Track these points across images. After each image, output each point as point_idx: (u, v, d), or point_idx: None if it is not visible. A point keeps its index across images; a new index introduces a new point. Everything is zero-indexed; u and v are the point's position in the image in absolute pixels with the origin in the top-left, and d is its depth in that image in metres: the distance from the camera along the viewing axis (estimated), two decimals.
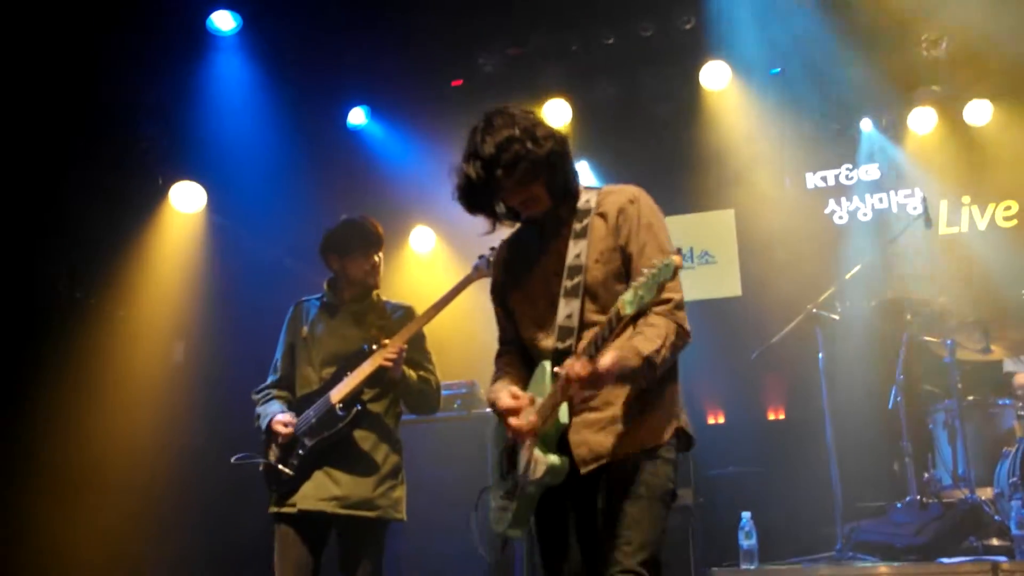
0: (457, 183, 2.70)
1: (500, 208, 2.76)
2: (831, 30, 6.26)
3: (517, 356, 2.91)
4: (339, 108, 7.11)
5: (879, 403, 5.75)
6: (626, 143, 6.96)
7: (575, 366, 2.45)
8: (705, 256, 7.23)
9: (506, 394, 2.71)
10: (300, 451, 3.79)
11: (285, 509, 3.77)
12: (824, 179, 7.21)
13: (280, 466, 3.80)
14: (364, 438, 3.82)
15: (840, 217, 7.10)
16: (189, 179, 6.61)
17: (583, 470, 2.62)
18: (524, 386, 2.77)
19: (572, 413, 2.63)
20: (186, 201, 6.60)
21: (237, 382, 4.33)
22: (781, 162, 7.10)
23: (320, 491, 3.74)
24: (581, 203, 2.81)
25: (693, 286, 6.92)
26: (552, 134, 2.68)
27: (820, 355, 5.68)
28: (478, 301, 3.72)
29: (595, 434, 2.64)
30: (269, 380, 4.07)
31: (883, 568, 4.74)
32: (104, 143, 6.31)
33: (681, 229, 7.26)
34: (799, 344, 5.87)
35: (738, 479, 6.01)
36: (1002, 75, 6.57)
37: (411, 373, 3.88)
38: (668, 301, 2.65)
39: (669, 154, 6.95)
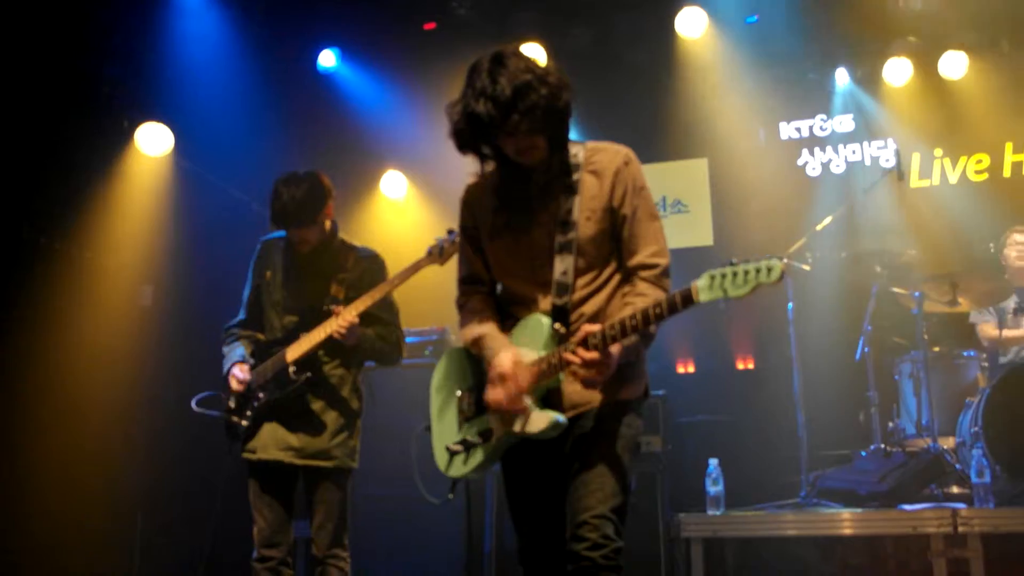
0: (458, 121, 2.62)
1: (488, 150, 2.70)
2: None
3: (490, 298, 2.88)
4: (309, 50, 6.98)
5: (847, 353, 5.80)
6: (600, 90, 6.87)
7: (589, 353, 2.49)
8: (677, 205, 7.22)
9: (509, 358, 2.65)
10: (255, 403, 3.81)
11: (245, 455, 3.81)
12: (798, 130, 7.19)
13: (234, 417, 3.82)
14: (319, 396, 3.83)
15: (813, 168, 7.10)
16: (155, 122, 6.47)
17: (567, 415, 2.66)
18: (499, 330, 2.77)
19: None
20: (153, 144, 6.47)
21: (204, 325, 4.31)
22: (755, 112, 7.07)
23: (278, 441, 3.77)
24: (570, 157, 2.77)
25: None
26: (566, 84, 2.62)
27: (790, 305, 5.71)
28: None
29: (575, 383, 2.65)
30: (237, 319, 4.05)
31: (846, 514, 4.81)
32: (67, 84, 6.16)
33: (654, 177, 7.07)
34: (769, 294, 5.81)
35: (706, 427, 6.06)
36: (979, 27, 6.56)
37: (368, 333, 3.83)
38: (655, 267, 2.70)
39: (643, 102, 6.89)
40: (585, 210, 2.71)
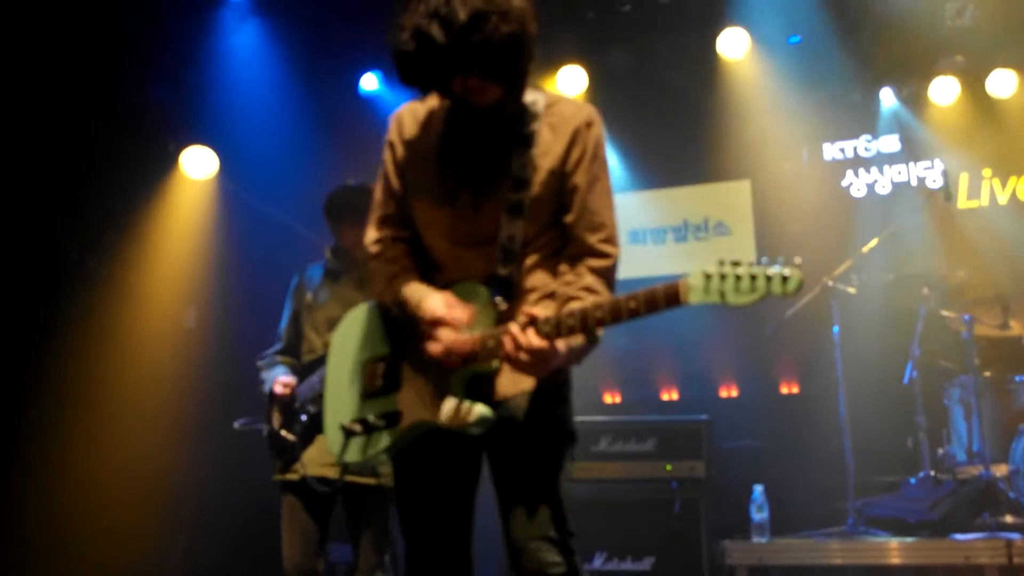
0: (405, 41, 2.16)
1: (435, 81, 2.25)
2: None
3: (411, 250, 2.47)
4: (352, 74, 7.04)
5: (894, 378, 5.69)
6: (641, 112, 6.86)
7: (533, 338, 2.12)
8: (720, 227, 7.15)
9: (440, 300, 2.29)
10: (303, 417, 3.77)
11: (289, 476, 3.77)
12: (842, 150, 7.10)
13: (283, 432, 3.79)
14: None
15: (858, 189, 7.01)
16: (201, 145, 6.56)
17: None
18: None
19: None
20: (198, 167, 6.55)
21: (247, 348, 4.33)
22: (799, 133, 6.99)
23: (323, 456, 3.71)
24: (527, 102, 2.38)
25: (708, 257, 6.84)
26: (529, 17, 2.20)
27: (835, 328, 5.62)
28: None
29: (509, 372, 2.31)
30: (273, 347, 4.07)
31: (895, 543, 4.71)
32: (115, 107, 6.27)
33: (696, 199, 7.17)
34: (814, 318, 5.81)
35: (750, 452, 5.98)
36: None
37: None
38: (605, 257, 2.34)
39: (685, 124, 6.84)
40: (539, 168, 2.33)
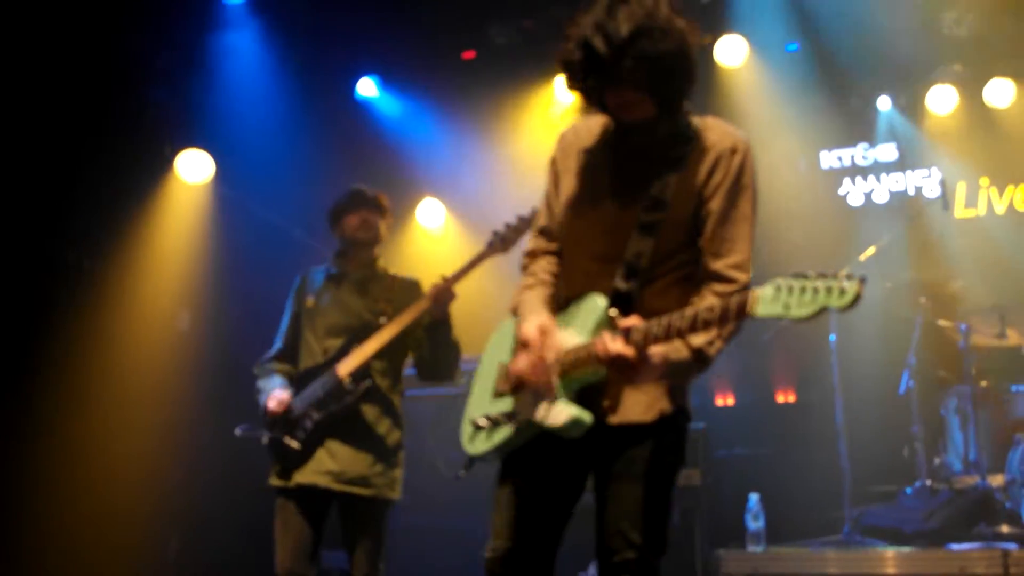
0: (572, 50, 2.30)
1: (597, 93, 2.34)
2: (851, 6, 6.15)
3: (555, 263, 2.59)
4: (349, 78, 7.03)
5: (890, 387, 5.69)
6: None
7: (616, 344, 2.20)
8: None
9: (535, 324, 2.38)
10: (307, 424, 3.75)
11: (285, 482, 3.75)
12: (840, 158, 7.08)
13: (286, 439, 3.77)
14: (368, 412, 3.79)
15: (855, 198, 7.00)
16: (197, 148, 6.54)
17: (610, 421, 2.40)
18: (543, 297, 2.52)
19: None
20: (194, 171, 6.52)
21: (242, 351, 4.32)
22: (796, 141, 6.98)
23: (317, 465, 3.72)
24: (682, 126, 2.46)
25: None
26: (691, 42, 2.28)
27: (832, 337, 5.61)
28: (490, 276, 3.63)
29: (623, 390, 2.40)
30: (272, 351, 4.04)
31: (891, 553, 4.69)
32: (112, 110, 6.25)
33: None
34: (810, 326, 5.73)
35: (746, 461, 5.97)
36: None
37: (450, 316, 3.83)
38: (732, 282, 2.39)
39: None
40: (680, 191, 2.39)
